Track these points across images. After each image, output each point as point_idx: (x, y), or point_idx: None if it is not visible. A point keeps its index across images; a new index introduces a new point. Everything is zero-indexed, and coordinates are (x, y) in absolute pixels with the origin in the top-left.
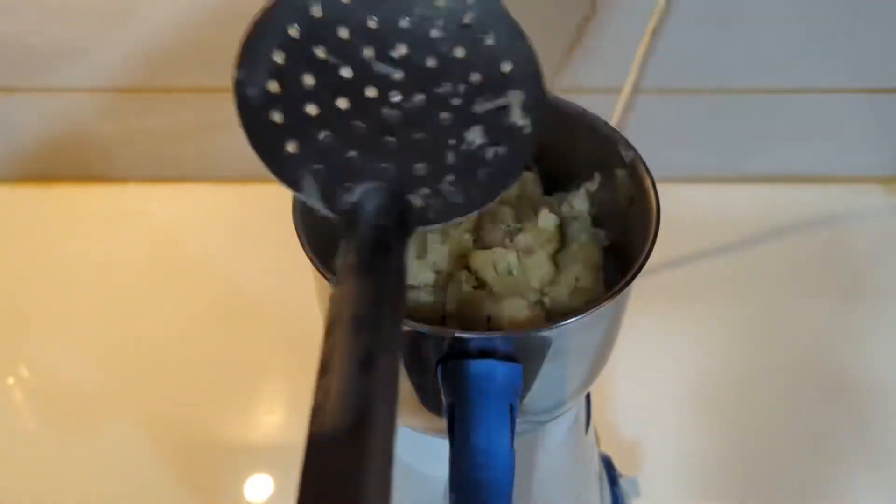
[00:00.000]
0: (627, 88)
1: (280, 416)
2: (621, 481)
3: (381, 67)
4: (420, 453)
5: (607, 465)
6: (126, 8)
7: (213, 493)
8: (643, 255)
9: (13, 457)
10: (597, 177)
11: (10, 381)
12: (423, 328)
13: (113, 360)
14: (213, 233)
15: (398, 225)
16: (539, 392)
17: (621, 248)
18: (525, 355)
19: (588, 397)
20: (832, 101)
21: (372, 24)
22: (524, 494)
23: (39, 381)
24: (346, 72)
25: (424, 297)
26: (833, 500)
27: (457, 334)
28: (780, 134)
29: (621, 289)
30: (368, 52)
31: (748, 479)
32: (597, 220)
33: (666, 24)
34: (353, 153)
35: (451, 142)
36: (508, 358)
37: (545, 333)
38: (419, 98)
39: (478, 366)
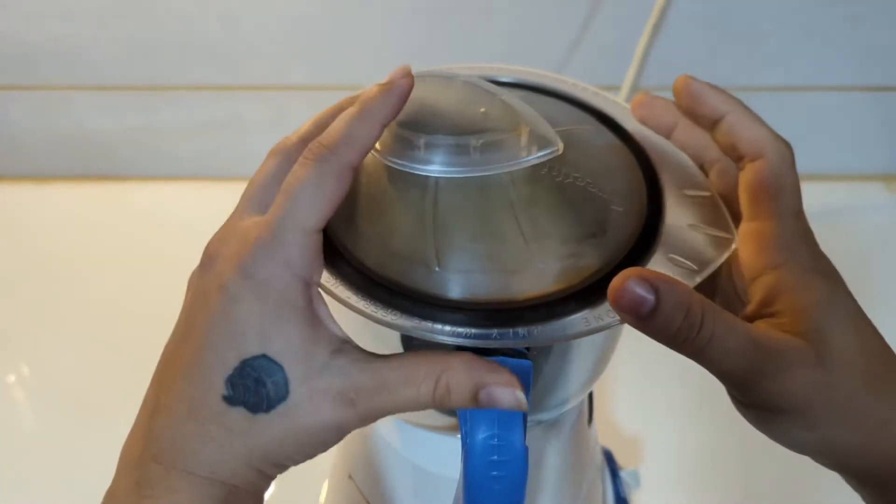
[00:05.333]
0: (627, 86)
1: None
2: (622, 473)
3: None
4: (432, 453)
5: (608, 458)
6: (127, 6)
7: None
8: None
9: (14, 454)
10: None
11: (12, 378)
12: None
13: (114, 358)
14: (213, 231)
15: None
16: (545, 389)
17: None
18: (533, 352)
19: (590, 394)
20: (834, 99)
21: None
22: (529, 489)
23: (40, 379)
24: None
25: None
26: (830, 490)
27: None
28: (781, 131)
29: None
30: None
31: (745, 473)
32: None
33: (666, 21)
34: None
35: None
36: (518, 354)
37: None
38: None
39: None
